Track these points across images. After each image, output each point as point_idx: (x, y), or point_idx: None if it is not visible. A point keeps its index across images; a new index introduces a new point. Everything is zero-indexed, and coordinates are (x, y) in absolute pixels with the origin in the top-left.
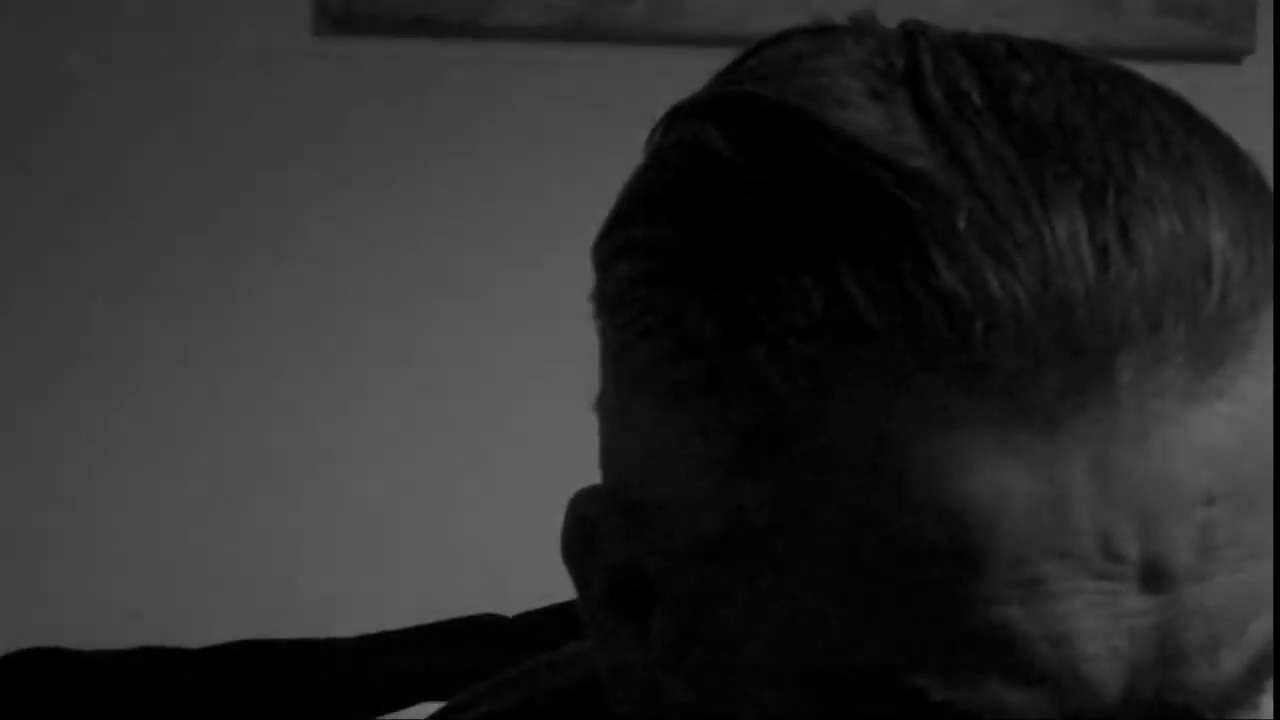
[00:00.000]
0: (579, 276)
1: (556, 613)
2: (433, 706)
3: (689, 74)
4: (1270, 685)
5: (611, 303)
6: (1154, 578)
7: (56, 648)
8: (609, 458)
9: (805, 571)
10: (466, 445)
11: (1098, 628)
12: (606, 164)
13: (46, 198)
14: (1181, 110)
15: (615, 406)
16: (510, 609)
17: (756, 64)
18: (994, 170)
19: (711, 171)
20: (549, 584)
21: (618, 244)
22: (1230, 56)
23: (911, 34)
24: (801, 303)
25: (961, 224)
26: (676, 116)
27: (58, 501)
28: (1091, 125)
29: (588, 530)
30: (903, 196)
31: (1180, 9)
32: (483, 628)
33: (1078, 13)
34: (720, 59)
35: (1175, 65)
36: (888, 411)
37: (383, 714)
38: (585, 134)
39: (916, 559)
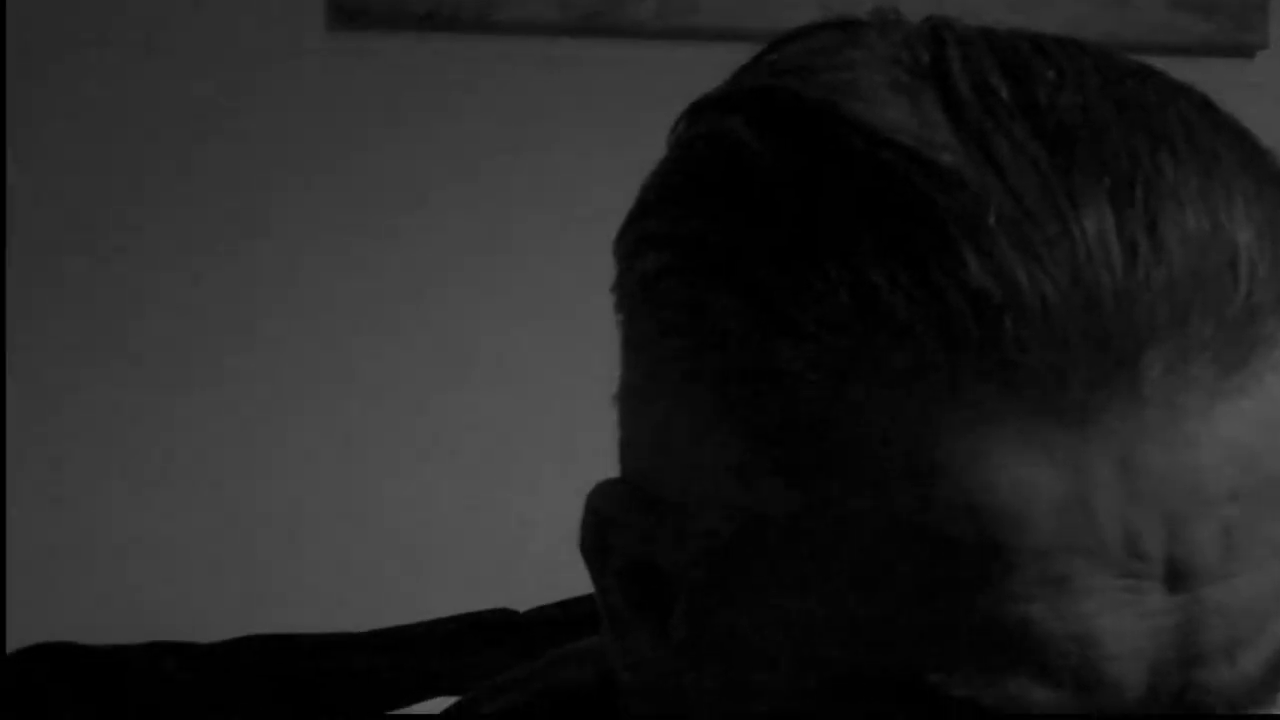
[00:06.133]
0: (594, 270)
1: (570, 608)
2: (445, 701)
3: (701, 69)
4: None
5: (633, 295)
6: (1177, 576)
7: (66, 643)
8: (627, 451)
9: (827, 567)
10: (481, 439)
11: (1121, 627)
12: (620, 159)
13: (55, 194)
14: (1206, 107)
15: (635, 400)
16: (523, 604)
17: (780, 58)
18: (1023, 166)
19: (737, 165)
20: (563, 579)
21: (640, 236)
22: (1243, 51)
23: (937, 28)
24: (828, 296)
25: (991, 219)
26: (700, 110)
27: (65, 498)
28: (1118, 121)
29: (605, 524)
30: (931, 191)
31: (1192, 4)
32: (495, 623)
33: (1089, 8)
34: (733, 54)
35: (1187, 60)
36: (914, 406)
37: (395, 709)
38: (598, 129)
39: (941, 555)
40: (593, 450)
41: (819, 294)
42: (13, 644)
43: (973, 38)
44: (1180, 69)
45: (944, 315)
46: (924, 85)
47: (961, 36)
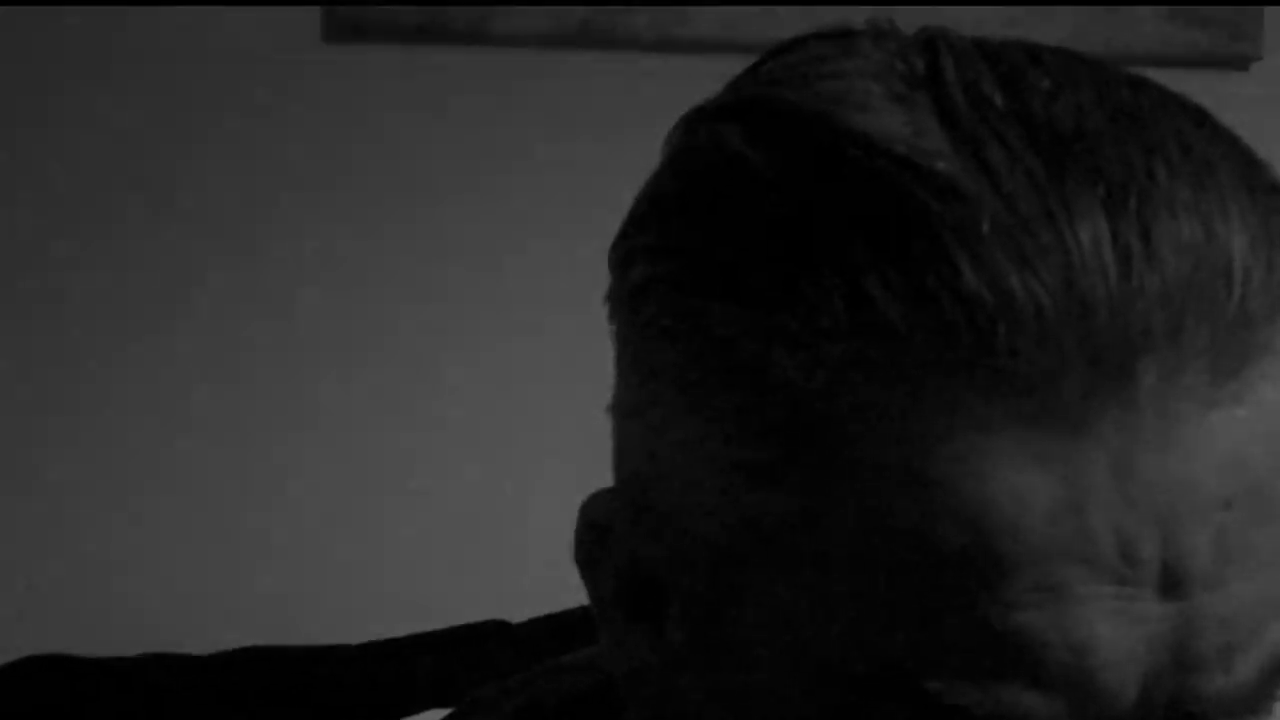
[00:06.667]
0: (589, 280)
1: (564, 619)
2: (439, 713)
3: (693, 80)
4: None
5: (629, 304)
6: (1171, 583)
7: (62, 654)
8: (622, 459)
9: (822, 574)
10: (475, 448)
11: (1116, 634)
12: (614, 169)
13: (53, 203)
14: (1199, 117)
15: (630, 408)
16: (518, 615)
17: (775, 68)
18: (1017, 174)
19: (732, 173)
20: (558, 590)
21: (636, 245)
22: (1238, 63)
23: (932, 38)
24: (823, 304)
25: (985, 227)
26: (695, 119)
27: (66, 506)
28: (1112, 130)
29: (600, 534)
30: (926, 199)
31: (1188, 15)
32: (490, 634)
33: (1085, 19)
34: (724, 66)
35: (1183, 72)
36: (908, 413)
37: None
38: (592, 140)
39: (936, 562)
40: (588, 460)
41: (814, 302)
42: (2, 656)
43: (967, 48)
44: (1175, 80)
45: (938, 323)
46: (919, 94)
47: (956, 46)
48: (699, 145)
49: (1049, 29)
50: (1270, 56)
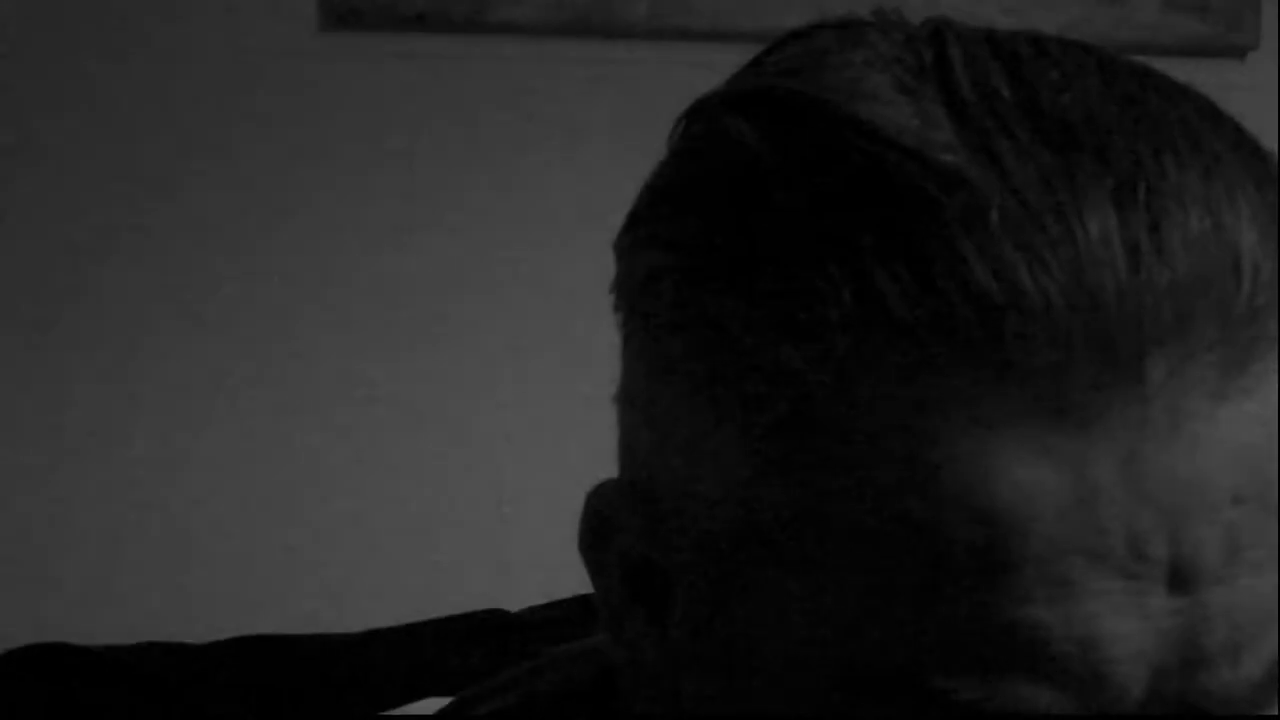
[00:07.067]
0: (591, 270)
1: (563, 608)
2: (439, 702)
3: (693, 69)
4: None
5: (635, 295)
6: (1180, 578)
7: (60, 643)
8: (628, 451)
9: (830, 570)
10: (476, 439)
11: (1125, 629)
12: (613, 158)
13: (51, 193)
14: (1208, 109)
15: (636, 399)
16: (517, 604)
17: (782, 58)
18: (1025, 166)
19: (739, 165)
20: (558, 578)
21: (642, 236)
22: (1234, 52)
23: (939, 29)
24: (831, 296)
25: (993, 220)
26: (701, 110)
27: (62, 498)
28: (1121, 123)
29: (605, 524)
30: (934, 191)
31: (1186, 5)
32: (489, 623)
33: (1082, 9)
34: (724, 55)
35: (1179, 61)
36: (917, 407)
37: (388, 709)
38: (590, 130)
39: (945, 558)
40: (592, 449)
41: (821, 294)
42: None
43: (974, 39)
44: (1173, 69)
45: (946, 316)
46: (926, 86)
47: (963, 37)
48: (705, 136)
49: (1048, 17)
50: (1267, 46)
